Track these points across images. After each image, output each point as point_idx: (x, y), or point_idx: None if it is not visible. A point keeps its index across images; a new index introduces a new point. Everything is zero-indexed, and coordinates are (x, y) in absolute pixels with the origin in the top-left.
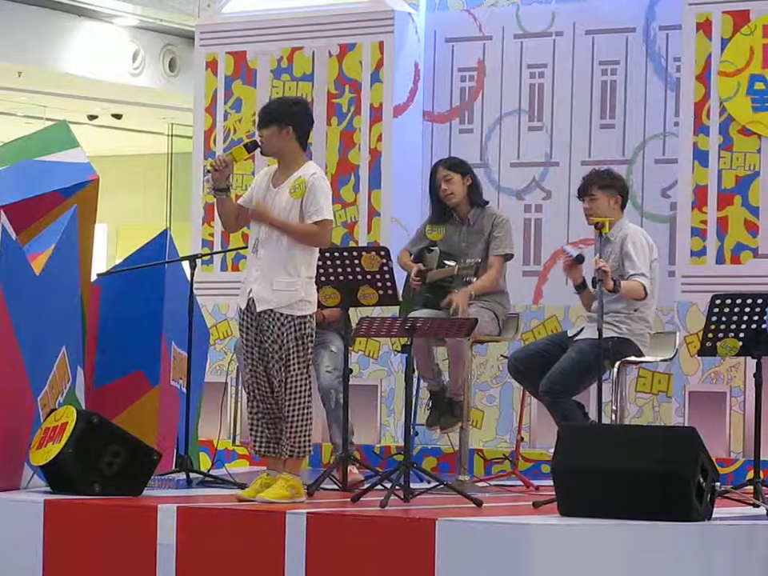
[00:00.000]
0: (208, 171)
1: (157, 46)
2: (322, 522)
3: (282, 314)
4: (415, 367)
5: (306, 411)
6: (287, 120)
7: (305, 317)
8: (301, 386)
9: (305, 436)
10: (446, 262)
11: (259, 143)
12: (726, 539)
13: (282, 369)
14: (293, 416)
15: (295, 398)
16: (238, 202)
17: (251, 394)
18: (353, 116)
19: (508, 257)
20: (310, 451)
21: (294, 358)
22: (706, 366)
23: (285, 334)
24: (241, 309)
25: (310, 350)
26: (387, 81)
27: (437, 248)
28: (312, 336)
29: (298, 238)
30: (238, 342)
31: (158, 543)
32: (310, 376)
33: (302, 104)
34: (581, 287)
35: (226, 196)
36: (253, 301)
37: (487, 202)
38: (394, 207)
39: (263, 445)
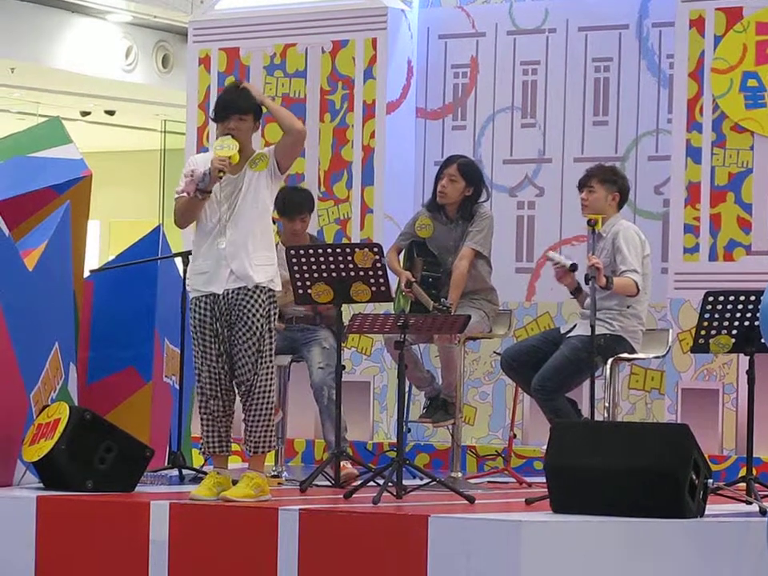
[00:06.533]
0: (219, 176)
1: (150, 42)
2: (315, 519)
3: (263, 288)
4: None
5: (271, 405)
6: (259, 114)
7: (276, 293)
8: (270, 377)
9: (271, 430)
10: (428, 281)
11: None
12: (718, 536)
13: (255, 352)
14: (260, 409)
15: (264, 390)
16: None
17: (210, 392)
18: (346, 113)
19: (479, 255)
20: (274, 446)
21: (267, 338)
22: (699, 362)
23: (261, 307)
24: (205, 302)
25: (275, 336)
26: (380, 77)
27: (421, 258)
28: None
29: (287, 122)
30: None
31: (151, 539)
32: (275, 370)
33: None
34: (577, 291)
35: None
36: (232, 282)
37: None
38: (386, 204)
39: (216, 445)
